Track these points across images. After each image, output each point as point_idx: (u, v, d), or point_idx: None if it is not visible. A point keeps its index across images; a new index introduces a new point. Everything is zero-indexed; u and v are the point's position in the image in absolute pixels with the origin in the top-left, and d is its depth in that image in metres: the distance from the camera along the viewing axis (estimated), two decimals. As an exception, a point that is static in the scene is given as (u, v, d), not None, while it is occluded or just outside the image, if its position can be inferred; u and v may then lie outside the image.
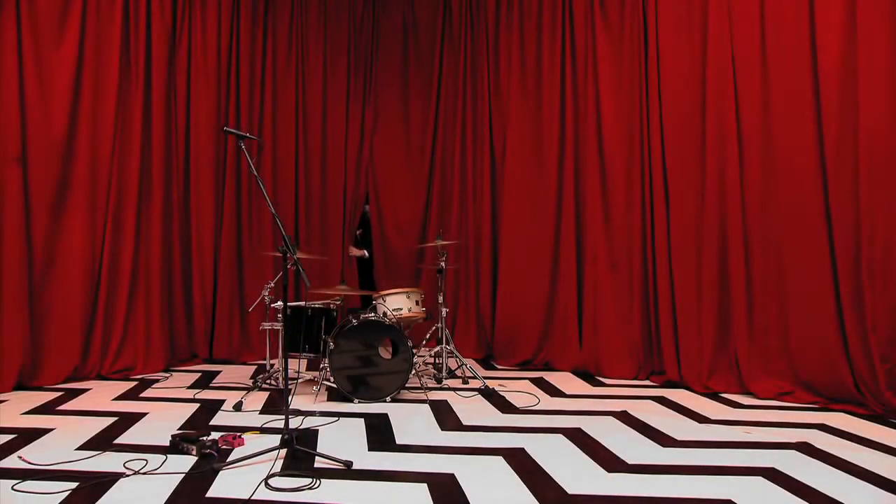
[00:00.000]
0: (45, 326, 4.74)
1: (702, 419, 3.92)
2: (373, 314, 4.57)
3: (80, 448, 3.28)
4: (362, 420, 3.87)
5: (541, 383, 4.96)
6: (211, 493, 2.72)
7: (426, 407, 4.21)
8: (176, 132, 5.60)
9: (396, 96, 6.64)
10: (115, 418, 3.83)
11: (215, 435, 3.35)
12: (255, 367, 5.59)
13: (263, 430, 3.61)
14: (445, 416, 3.98)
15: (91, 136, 5.02)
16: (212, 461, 3.07)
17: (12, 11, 4.62)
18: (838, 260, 4.16)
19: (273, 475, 2.89)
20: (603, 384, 4.99)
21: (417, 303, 4.94)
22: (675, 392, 4.65)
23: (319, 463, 3.09)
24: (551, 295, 5.61)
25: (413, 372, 4.51)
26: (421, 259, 6.45)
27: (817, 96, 4.27)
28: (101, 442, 3.39)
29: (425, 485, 2.84)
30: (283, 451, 3.13)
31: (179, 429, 3.65)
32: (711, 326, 4.70)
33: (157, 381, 4.97)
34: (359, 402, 4.25)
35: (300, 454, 3.16)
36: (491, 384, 4.81)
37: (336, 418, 3.90)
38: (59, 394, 4.45)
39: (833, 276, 4.19)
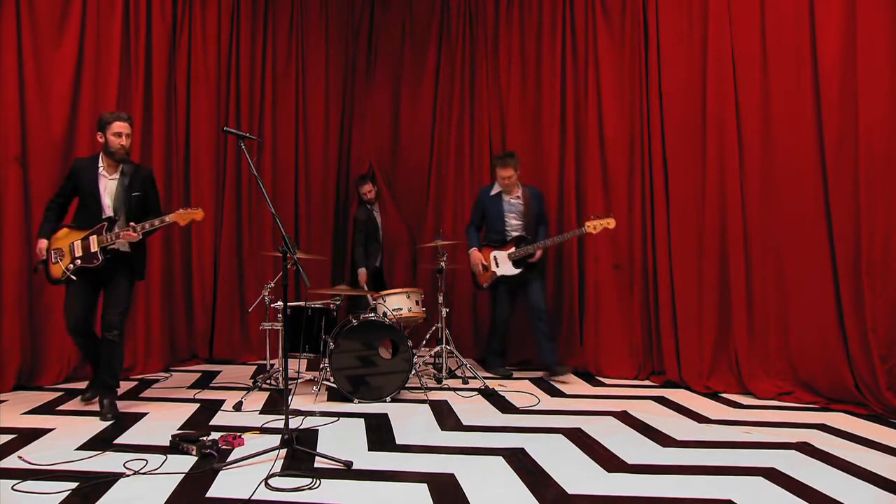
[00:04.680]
0: (45, 326, 4.73)
1: (702, 419, 3.92)
2: (373, 314, 4.57)
3: (80, 448, 3.28)
4: (362, 420, 3.87)
5: (541, 383, 4.96)
6: (211, 493, 2.72)
7: (426, 407, 4.21)
8: (176, 132, 5.60)
9: (396, 96, 6.65)
10: (115, 418, 3.83)
11: (215, 435, 3.35)
12: (255, 367, 5.59)
13: (263, 430, 3.61)
14: (445, 416, 3.98)
15: (91, 137, 4.99)
16: (212, 461, 3.07)
17: (12, 11, 4.62)
18: (838, 260, 4.16)
19: (273, 475, 2.89)
20: (603, 384, 4.99)
21: (417, 303, 4.94)
22: (675, 392, 4.65)
23: (319, 463, 3.09)
24: (552, 295, 5.61)
25: (413, 372, 4.52)
26: (421, 259, 6.45)
27: (817, 96, 4.27)
28: (101, 442, 3.38)
29: (425, 485, 2.83)
30: (283, 451, 3.13)
31: (179, 429, 3.65)
32: (711, 326, 4.70)
33: (157, 381, 4.97)
34: (359, 402, 4.25)
35: (300, 454, 3.16)
36: (491, 384, 4.81)
37: (336, 418, 3.90)
38: (59, 394, 4.45)
39: (833, 276, 4.19)
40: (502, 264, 5.01)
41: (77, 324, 3.91)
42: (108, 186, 3.91)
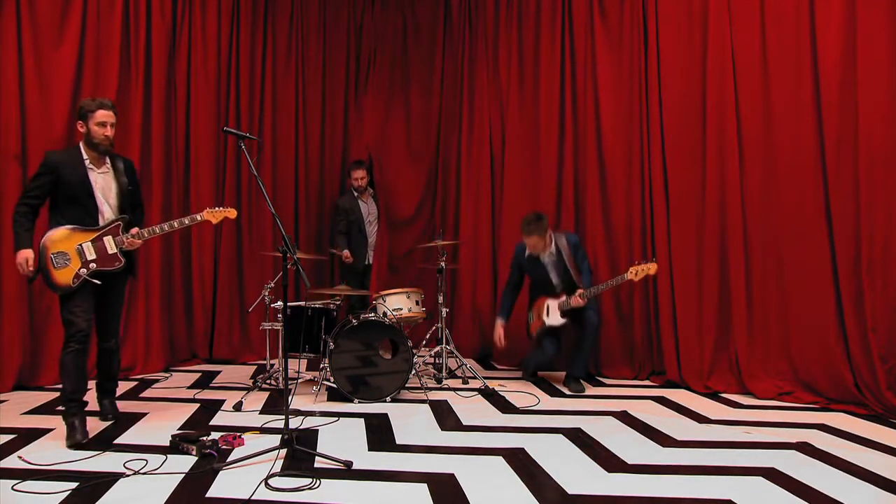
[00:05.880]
0: (46, 326, 4.73)
1: (702, 419, 3.92)
2: (373, 314, 4.57)
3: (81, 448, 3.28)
4: (362, 420, 3.87)
5: (541, 383, 4.96)
6: (211, 493, 2.72)
7: (426, 407, 4.21)
8: (176, 132, 5.60)
9: (397, 96, 6.66)
10: (115, 418, 3.82)
11: (215, 435, 3.35)
12: (255, 367, 5.59)
13: (263, 430, 3.61)
14: (445, 416, 3.98)
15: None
16: (212, 461, 3.07)
17: (12, 11, 4.62)
18: (838, 260, 4.16)
19: (273, 475, 2.89)
20: (603, 384, 4.99)
21: (417, 303, 4.94)
22: (675, 392, 4.65)
23: (319, 463, 3.09)
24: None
25: (413, 372, 4.52)
26: (421, 258, 6.45)
27: (817, 96, 4.27)
28: (101, 442, 3.39)
29: (425, 485, 2.83)
30: (283, 451, 3.13)
31: (179, 429, 3.65)
32: (711, 326, 4.70)
33: (157, 381, 4.97)
34: (359, 402, 4.25)
35: (300, 454, 3.16)
36: (491, 384, 4.81)
37: (336, 418, 3.89)
38: (59, 394, 4.44)
39: (833, 275, 4.20)
40: (553, 314, 4.79)
41: (88, 326, 3.45)
42: (99, 181, 3.56)
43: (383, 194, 6.44)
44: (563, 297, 4.75)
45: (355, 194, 6.00)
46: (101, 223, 3.56)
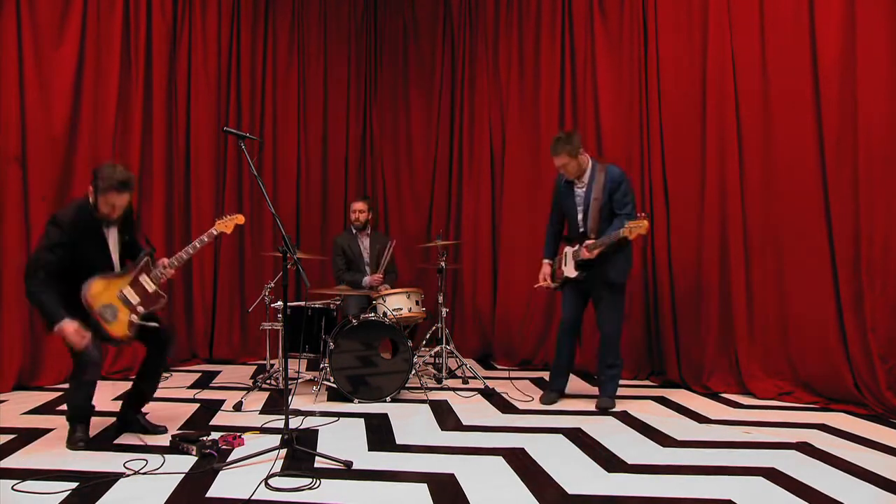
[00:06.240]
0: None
1: (702, 419, 3.92)
2: (373, 314, 4.57)
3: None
4: (362, 420, 3.87)
5: (541, 383, 4.96)
6: (211, 493, 2.72)
7: (426, 407, 4.21)
8: (176, 132, 5.60)
9: (398, 96, 6.67)
10: (116, 418, 3.82)
11: (215, 435, 3.35)
12: (255, 367, 5.59)
13: (263, 430, 3.61)
14: (445, 416, 3.98)
15: (91, 136, 5.01)
16: (212, 461, 3.07)
17: (12, 11, 4.62)
18: (838, 260, 4.16)
19: (273, 475, 2.89)
20: (603, 384, 4.98)
21: (417, 303, 4.94)
22: (675, 392, 4.65)
23: (319, 463, 3.09)
24: (551, 294, 5.61)
25: (413, 372, 4.52)
26: (421, 259, 6.45)
27: (817, 96, 4.26)
28: (101, 442, 3.39)
29: (425, 485, 2.83)
30: (283, 451, 3.13)
31: (179, 429, 3.65)
32: (711, 326, 4.70)
33: (157, 381, 4.96)
34: (359, 402, 4.25)
35: (300, 454, 3.16)
36: (491, 384, 4.81)
37: (336, 418, 3.90)
38: (59, 394, 4.45)
39: (833, 276, 4.19)
40: (569, 263, 4.15)
41: (100, 357, 3.35)
42: (110, 235, 3.40)
43: (384, 193, 6.45)
44: (577, 246, 4.12)
45: (353, 230, 5.44)
46: (115, 271, 3.38)
